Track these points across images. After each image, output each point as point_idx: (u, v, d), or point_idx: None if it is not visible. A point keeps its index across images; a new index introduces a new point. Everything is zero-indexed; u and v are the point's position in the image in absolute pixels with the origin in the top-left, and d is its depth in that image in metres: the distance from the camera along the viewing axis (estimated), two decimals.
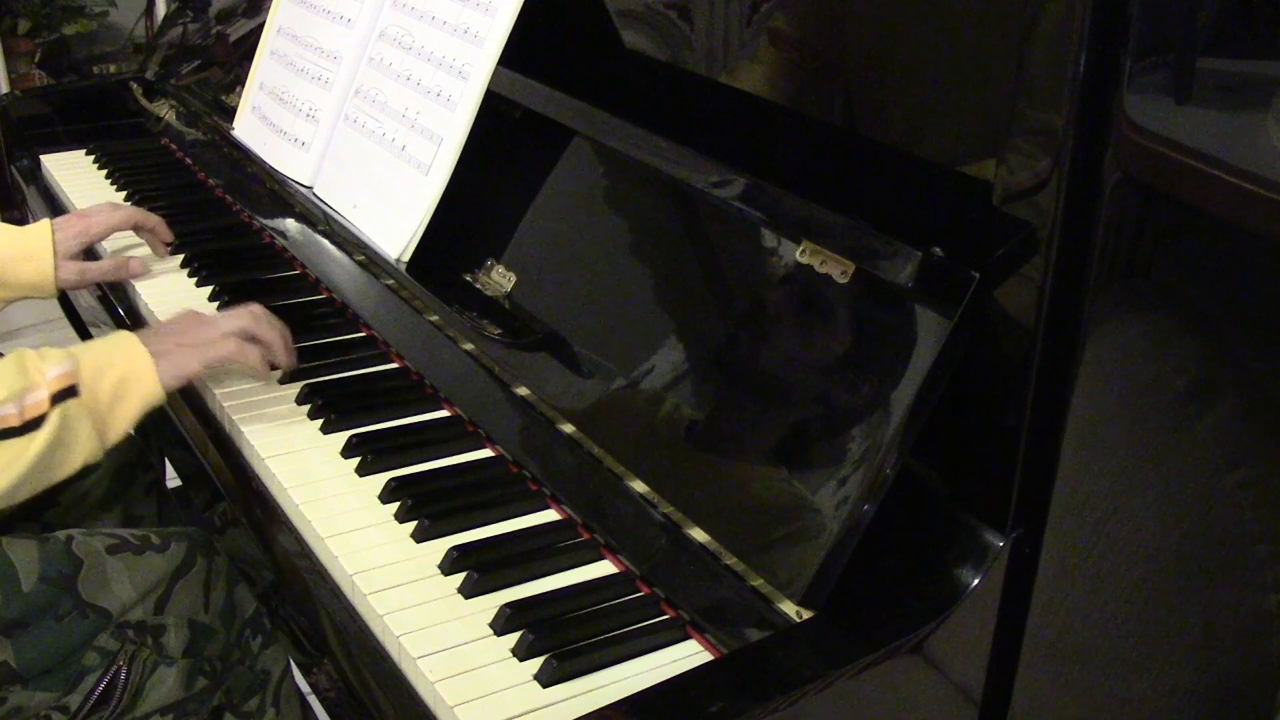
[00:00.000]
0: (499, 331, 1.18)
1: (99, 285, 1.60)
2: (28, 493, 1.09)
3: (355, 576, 1.00)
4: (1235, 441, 0.93)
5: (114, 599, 1.17)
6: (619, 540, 1.02)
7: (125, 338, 1.17)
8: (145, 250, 1.63)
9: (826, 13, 1.00)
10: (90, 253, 1.59)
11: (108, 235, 1.58)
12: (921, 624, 0.84)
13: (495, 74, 1.26)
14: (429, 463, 1.16)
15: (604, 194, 1.18)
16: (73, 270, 1.50)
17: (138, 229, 1.60)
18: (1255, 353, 0.93)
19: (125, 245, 1.64)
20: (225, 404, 1.26)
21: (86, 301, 1.78)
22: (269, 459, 1.17)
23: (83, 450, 1.10)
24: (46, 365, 1.08)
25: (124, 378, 1.13)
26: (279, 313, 1.45)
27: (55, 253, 1.48)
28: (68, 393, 1.08)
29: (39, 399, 1.06)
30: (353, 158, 1.45)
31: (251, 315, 1.26)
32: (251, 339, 1.24)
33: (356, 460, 1.16)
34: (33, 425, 1.06)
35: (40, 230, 1.49)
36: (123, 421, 1.14)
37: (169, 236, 1.61)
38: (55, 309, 2.01)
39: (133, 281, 1.56)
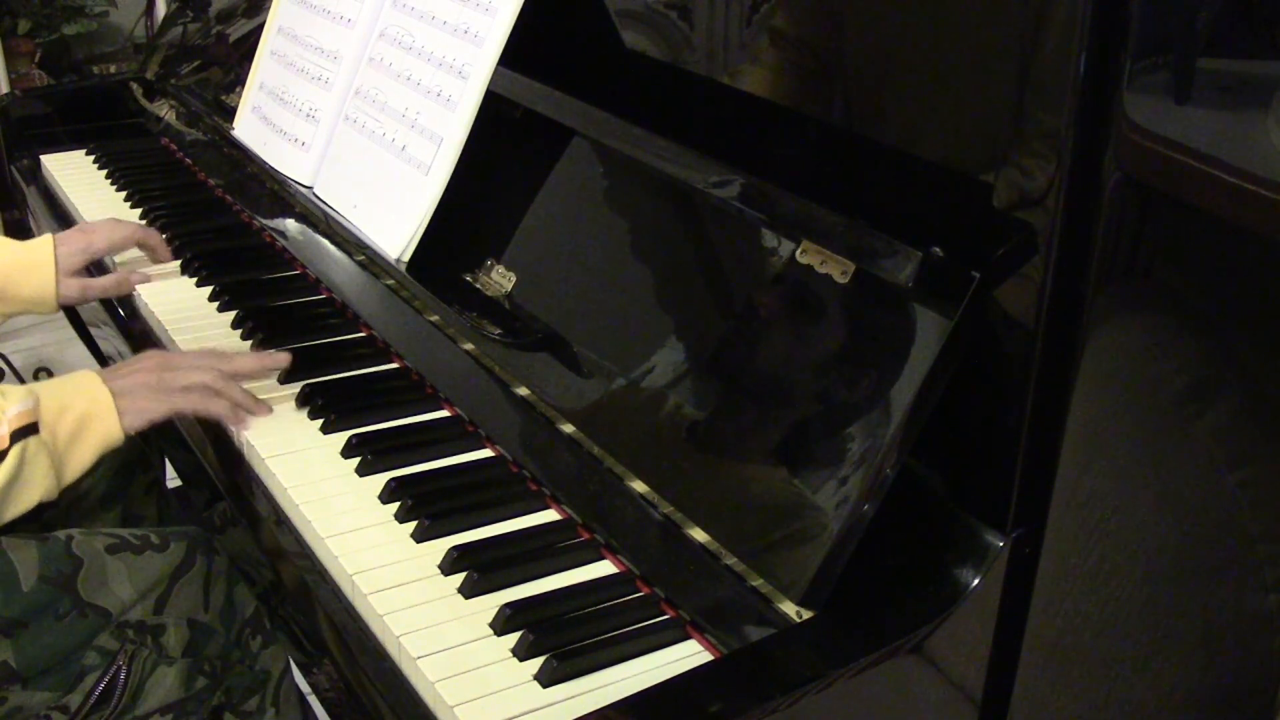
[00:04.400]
0: (499, 331, 1.18)
1: None
2: None
3: (355, 576, 1.00)
4: (1235, 441, 0.93)
5: (114, 598, 1.17)
6: (619, 540, 1.02)
7: (88, 377, 1.17)
8: (144, 258, 1.62)
9: (826, 13, 1.00)
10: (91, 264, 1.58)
11: (110, 253, 1.57)
12: (921, 624, 0.84)
13: (495, 74, 1.26)
14: (429, 463, 1.16)
15: (604, 194, 1.18)
16: (74, 287, 1.50)
17: (140, 246, 1.60)
18: (1255, 353, 0.93)
19: (125, 257, 1.63)
20: None
21: None
22: (269, 459, 1.17)
23: (39, 487, 1.11)
24: (7, 403, 1.09)
25: (84, 417, 1.13)
26: (279, 312, 1.45)
27: (57, 269, 1.48)
28: (28, 430, 1.09)
29: None
30: (353, 158, 1.45)
31: (216, 373, 1.23)
32: (217, 393, 1.22)
33: (356, 460, 1.16)
34: None
35: (42, 245, 1.49)
36: (81, 461, 1.14)
37: (169, 256, 1.60)
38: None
39: None
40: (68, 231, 1.54)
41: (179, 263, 1.60)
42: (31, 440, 1.09)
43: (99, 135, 2.09)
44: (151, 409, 1.19)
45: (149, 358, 1.24)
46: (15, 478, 1.08)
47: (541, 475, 1.12)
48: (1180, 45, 0.79)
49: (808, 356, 0.93)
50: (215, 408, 1.22)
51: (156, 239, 1.59)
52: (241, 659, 1.28)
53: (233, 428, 1.23)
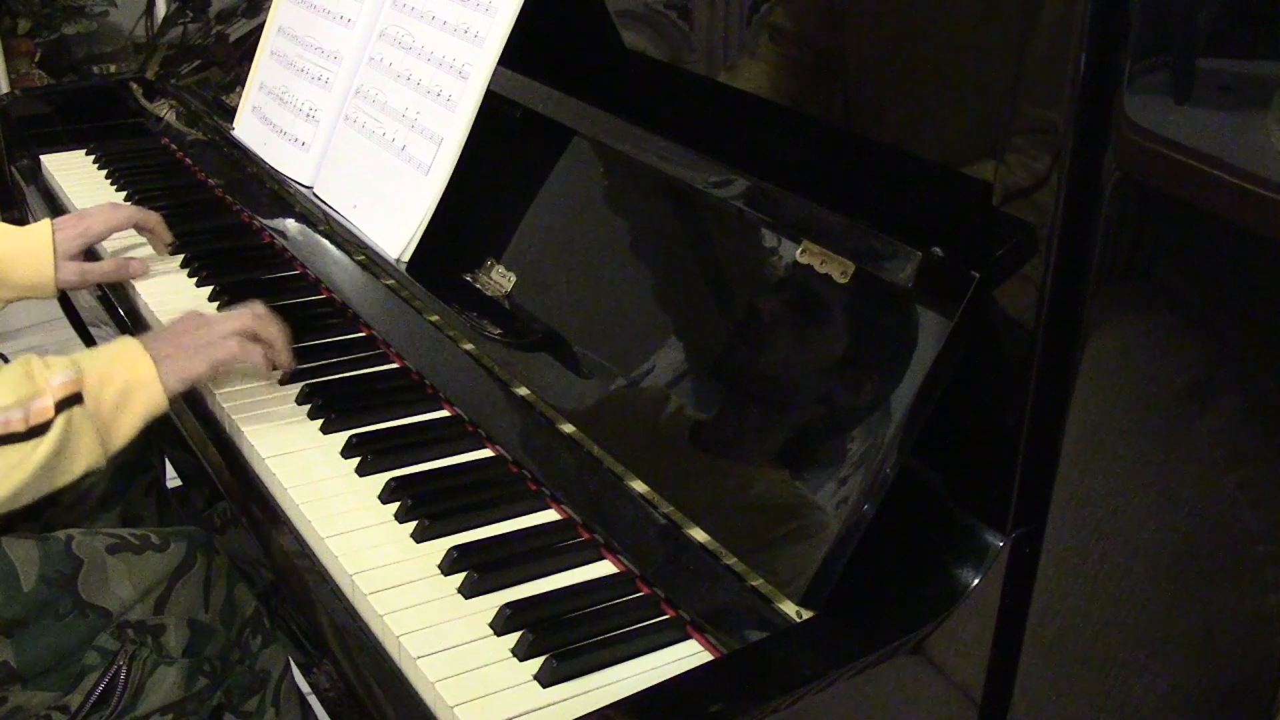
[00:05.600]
0: (499, 331, 1.18)
1: (99, 285, 1.60)
2: (30, 498, 1.10)
3: (355, 576, 1.00)
4: (1235, 441, 0.93)
5: (114, 598, 1.17)
6: (619, 540, 1.02)
7: (129, 344, 1.17)
8: (146, 250, 1.63)
9: (826, 11, 1.00)
10: (90, 253, 1.59)
11: (108, 235, 1.58)
12: (921, 624, 0.84)
13: (495, 74, 1.26)
14: (429, 463, 1.16)
15: (604, 194, 1.18)
16: (73, 271, 1.50)
17: (139, 229, 1.60)
18: (1255, 353, 0.93)
19: (125, 245, 1.64)
20: (225, 404, 1.26)
21: (87, 302, 1.78)
22: (269, 459, 1.17)
23: (86, 457, 1.11)
24: (52, 373, 1.09)
25: (128, 385, 1.13)
26: (279, 313, 1.45)
27: (55, 253, 1.48)
28: (72, 400, 1.09)
29: (44, 406, 1.07)
30: (353, 158, 1.45)
31: (254, 315, 1.26)
32: (254, 338, 1.24)
33: (356, 460, 1.16)
34: (38, 432, 1.06)
35: (40, 230, 1.49)
36: (126, 429, 1.14)
37: (169, 237, 1.61)
38: (55, 309, 2.01)
39: (133, 282, 1.56)
40: (65, 216, 1.54)
41: (179, 256, 1.61)
42: (76, 410, 1.09)
43: (99, 135, 2.09)
44: (192, 367, 1.19)
45: (189, 318, 1.25)
46: (62, 448, 1.08)
47: (541, 475, 1.12)
48: (1180, 45, 0.79)
49: (807, 356, 0.93)
50: (252, 355, 1.23)
51: (155, 220, 1.59)
52: (242, 659, 1.28)
53: (234, 417, 1.23)
